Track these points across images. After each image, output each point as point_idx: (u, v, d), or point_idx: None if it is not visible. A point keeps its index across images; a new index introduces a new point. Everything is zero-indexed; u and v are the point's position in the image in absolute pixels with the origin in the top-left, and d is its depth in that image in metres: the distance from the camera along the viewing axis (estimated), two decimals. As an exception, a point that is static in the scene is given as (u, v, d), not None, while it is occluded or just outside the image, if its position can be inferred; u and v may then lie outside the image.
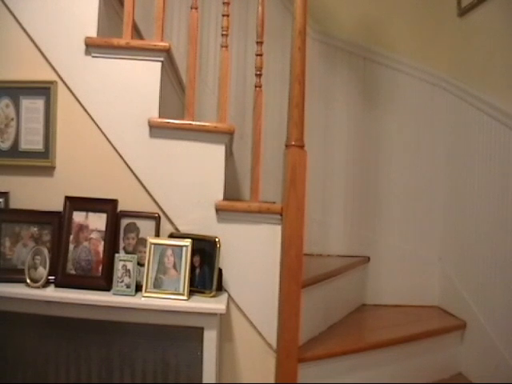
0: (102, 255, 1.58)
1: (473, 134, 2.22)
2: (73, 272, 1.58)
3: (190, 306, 1.50)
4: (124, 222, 1.63)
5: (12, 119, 1.70)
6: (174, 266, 1.55)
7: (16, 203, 1.68)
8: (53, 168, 1.70)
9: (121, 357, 1.53)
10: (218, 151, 1.71)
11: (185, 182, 1.69)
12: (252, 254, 1.69)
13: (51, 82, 1.68)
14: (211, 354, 1.51)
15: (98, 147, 1.69)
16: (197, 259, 1.61)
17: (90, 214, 1.61)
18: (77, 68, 1.69)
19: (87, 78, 1.69)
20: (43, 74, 1.69)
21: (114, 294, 1.53)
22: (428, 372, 2.08)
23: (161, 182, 1.69)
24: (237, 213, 1.69)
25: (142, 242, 1.61)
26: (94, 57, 1.69)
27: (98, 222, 1.61)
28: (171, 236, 1.65)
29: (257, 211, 1.69)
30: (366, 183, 2.59)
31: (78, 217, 1.61)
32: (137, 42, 1.72)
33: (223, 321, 1.65)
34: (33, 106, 1.69)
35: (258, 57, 1.77)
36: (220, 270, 1.62)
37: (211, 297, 1.57)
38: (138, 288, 1.54)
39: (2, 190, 1.68)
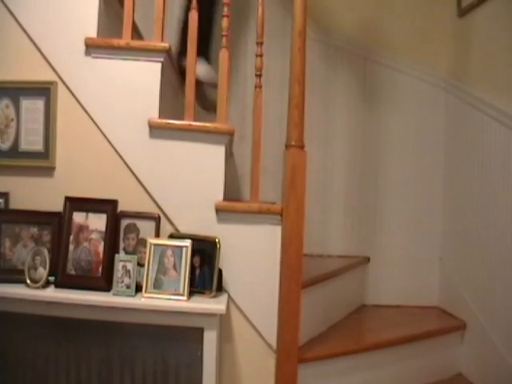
0: (102, 256, 1.58)
1: (473, 135, 2.22)
2: (73, 272, 1.58)
3: (190, 306, 1.50)
4: (124, 222, 1.63)
5: (12, 120, 1.70)
6: (174, 267, 1.55)
7: (16, 204, 1.68)
8: (53, 168, 1.70)
9: (121, 357, 1.53)
10: (218, 152, 1.71)
11: (185, 183, 1.69)
12: (252, 255, 1.69)
13: (51, 83, 1.68)
14: (211, 354, 1.51)
15: (98, 148, 1.69)
16: (197, 260, 1.61)
17: (90, 215, 1.61)
18: (77, 68, 1.69)
19: (87, 78, 1.69)
20: (43, 75, 1.69)
21: (114, 295, 1.53)
22: (428, 372, 2.08)
23: (161, 183, 1.69)
24: (237, 213, 1.69)
25: (142, 242, 1.61)
26: (94, 57, 1.69)
27: (98, 222, 1.61)
28: (171, 236, 1.65)
29: (257, 211, 1.69)
30: (365, 183, 2.59)
31: (78, 217, 1.61)
32: (137, 43, 1.72)
33: (223, 321, 1.65)
34: (33, 107, 1.69)
35: (258, 57, 1.77)
36: (220, 271, 1.62)
37: (211, 297, 1.57)
38: (138, 288, 1.54)
39: (2, 191, 1.68)
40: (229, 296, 1.66)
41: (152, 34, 1.75)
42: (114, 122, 1.69)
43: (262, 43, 1.77)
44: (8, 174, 1.70)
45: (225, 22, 1.75)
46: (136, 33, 1.99)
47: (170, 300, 1.51)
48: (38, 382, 1.54)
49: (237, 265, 1.68)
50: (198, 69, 1.86)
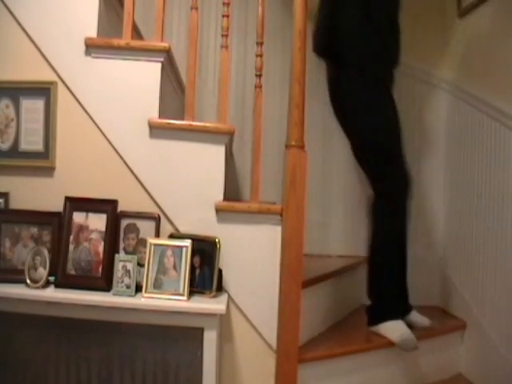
0: (102, 256, 1.58)
1: (473, 135, 2.22)
2: (73, 272, 1.58)
3: (190, 306, 1.50)
4: (124, 222, 1.63)
5: (12, 120, 1.70)
6: (174, 267, 1.55)
7: (16, 204, 1.68)
8: (53, 168, 1.70)
9: (121, 357, 1.53)
10: (218, 152, 1.71)
11: (185, 183, 1.69)
12: (252, 255, 1.69)
13: (51, 83, 1.68)
14: (211, 354, 1.51)
15: (98, 148, 1.69)
16: (197, 260, 1.61)
17: (90, 215, 1.61)
18: (77, 68, 1.69)
19: (87, 78, 1.69)
20: (43, 75, 1.69)
21: (114, 295, 1.53)
22: (428, 372, 2.08)
23: (161, 183, 1.69)
24: (237, 213, 1.69)
25: (142, 242, 1.61)
26: (94, 57, 1.69)
27: (98, 222, 1.61)
28: (171, 236, 1.65)
29: (257, 212, 1.69)
30: (365, 183, 2.58)
31: (78, 217, 1.61)
32: (137, 43, 1.72)
33: (223, 321, 1.65)
34: (33, 107, 1.69)
35: (258, 57, 1.77)
36: (220, 271, 1.62)
37: (211, 297, 1.57)
38: (138, 288, 1.54)
39: (2, 191, 1.68)
40: (229, 296, 1.66)
41: (152, 34, 1.75)
42: (114, 121, 1.69)
43: (261, 43, 1.77)
44: (8, 173, 1.70)
45: (225, 22, 1.75)
46: (136, 33, 1.99)
47: (170, 300, 1.51)
48: (38, 382, 1.54)
49: (237, 265, 1.68)
50: (393, 334, 1.87)
